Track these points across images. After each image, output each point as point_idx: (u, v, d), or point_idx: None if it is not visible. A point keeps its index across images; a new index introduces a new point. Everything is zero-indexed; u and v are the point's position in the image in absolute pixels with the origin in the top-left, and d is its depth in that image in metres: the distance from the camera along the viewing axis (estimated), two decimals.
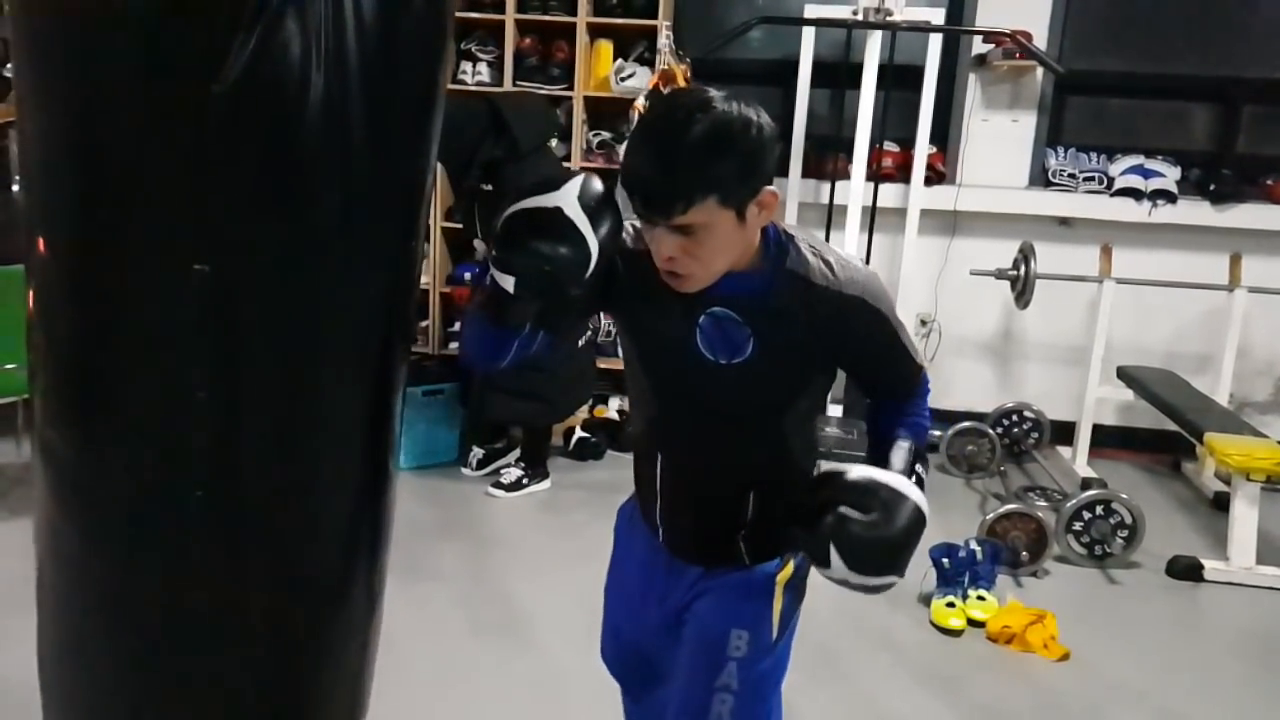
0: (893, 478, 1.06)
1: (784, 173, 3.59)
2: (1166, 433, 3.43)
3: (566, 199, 0.97)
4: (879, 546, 1.02)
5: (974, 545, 2.49)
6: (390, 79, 0.88)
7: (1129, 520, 2.74)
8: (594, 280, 1.02)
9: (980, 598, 2.41)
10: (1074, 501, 2.77)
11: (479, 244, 3.20)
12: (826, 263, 1.11)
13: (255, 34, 0.79)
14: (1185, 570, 2.74)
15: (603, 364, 3.40)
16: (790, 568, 1.22)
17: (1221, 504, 3.14)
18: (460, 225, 3.39)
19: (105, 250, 0.87)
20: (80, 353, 0.91)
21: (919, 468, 1.16)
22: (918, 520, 1.04)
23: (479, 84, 3.51)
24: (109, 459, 0.92)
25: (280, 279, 0.89)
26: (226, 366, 0.89)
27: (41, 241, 0.89)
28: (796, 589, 1.24)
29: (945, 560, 2.45)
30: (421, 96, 0.95)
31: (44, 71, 0.85)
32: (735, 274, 1.08)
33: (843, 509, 1.02)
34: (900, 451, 1.15)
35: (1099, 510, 2.75)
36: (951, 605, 2.39)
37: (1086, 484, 3.16)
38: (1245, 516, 2.72)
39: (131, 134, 0.83)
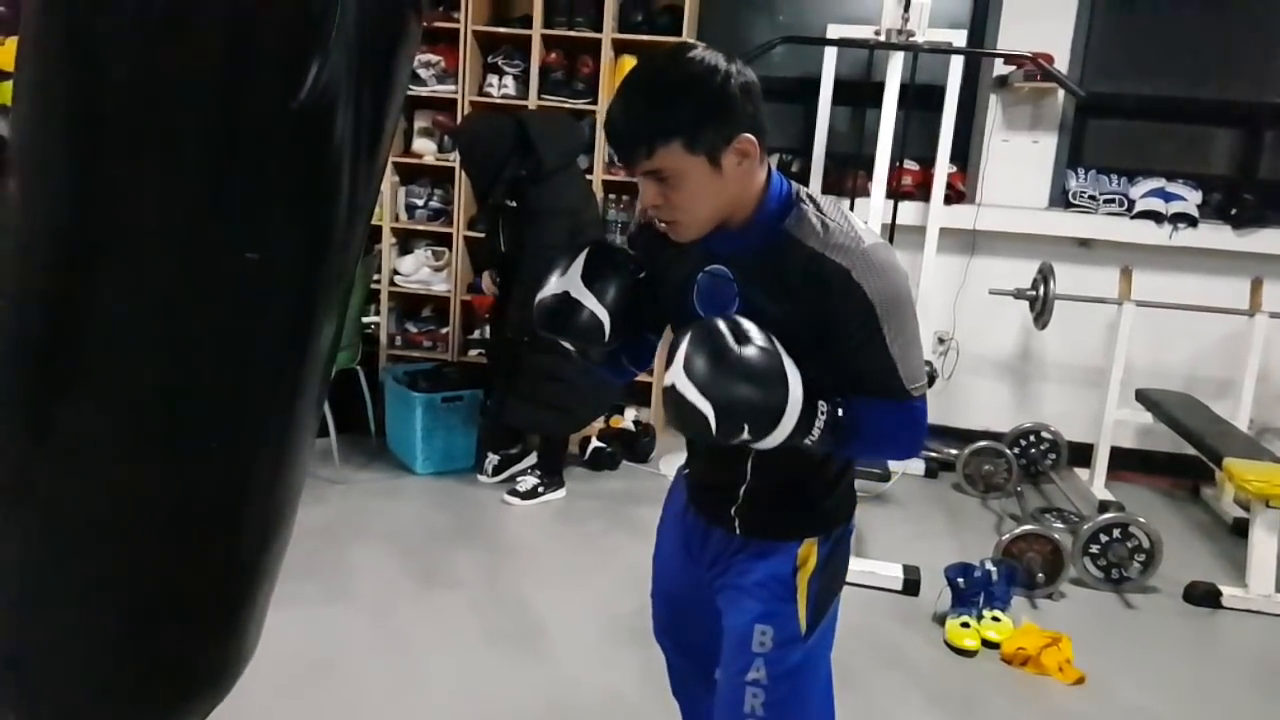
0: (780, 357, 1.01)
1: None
2: (1185, 457, 3.41)
3: (573, 282, 1.10)
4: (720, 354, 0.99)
5: (990, 566, 2.49)
6: (386, 91, 1.00)
7: (1146, 544, 2.73)
8: (624, 316, 1.12)
9: (995, 619, 2.41)
10: (1091, 524, 2.75)
11: (487, 276, 3.27)
12: (826, 226, 1.06)
13: (329, 53, 0.86)
14: (1203, 596, 2.72)
15: None
16: (813, 558, 1.21)
17: (1241, 530, 3.12)
18: (482, 235, 3.43)
19: (162, 234, 0.94)
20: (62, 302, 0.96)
21: (821, 429, 1.03)
22: (767, 377, 1.00)
23: (505, 97, 3.56)
24: (88, 407, 0.98)
25: (307, 264, 1.01)
26: (267, 342, 1.01)
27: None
28: (825, 577, 1.23)
29: (960, 580, 2.45)
30: (396, 99, 1.05)
31: (113, 73, 0.90)
32: (733, 230, 1.10)
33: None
34: (834, 403, 1.04)
35: (1116, 533, 2.73)
36: (966, 625, 2.38)
37: (1104, 507, 3.14)
38: (1265, 543, 2.70)
39: (212, 142, 0.90)
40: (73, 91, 0.89)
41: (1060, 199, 3.71)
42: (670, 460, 3.51)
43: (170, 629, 1.08)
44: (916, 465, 3.61)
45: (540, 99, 3.51)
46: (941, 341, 3.70)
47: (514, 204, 3.00)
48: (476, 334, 3.79)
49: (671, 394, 1.02)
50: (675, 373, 1.01)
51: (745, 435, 1.02)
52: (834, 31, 3.45)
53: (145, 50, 0.86)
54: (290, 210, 0.96)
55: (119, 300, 0.94)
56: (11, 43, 3.40)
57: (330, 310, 1.06)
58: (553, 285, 1.11)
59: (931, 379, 2.90)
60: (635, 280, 1.12)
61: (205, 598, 1.09)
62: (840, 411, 1.06)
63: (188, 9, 0.85)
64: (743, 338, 1.01)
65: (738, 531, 1.24)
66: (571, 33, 3.49)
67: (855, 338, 1.05)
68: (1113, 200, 3.62)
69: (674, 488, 1.41)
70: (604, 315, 1.09)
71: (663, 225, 1.10)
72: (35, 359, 0.97)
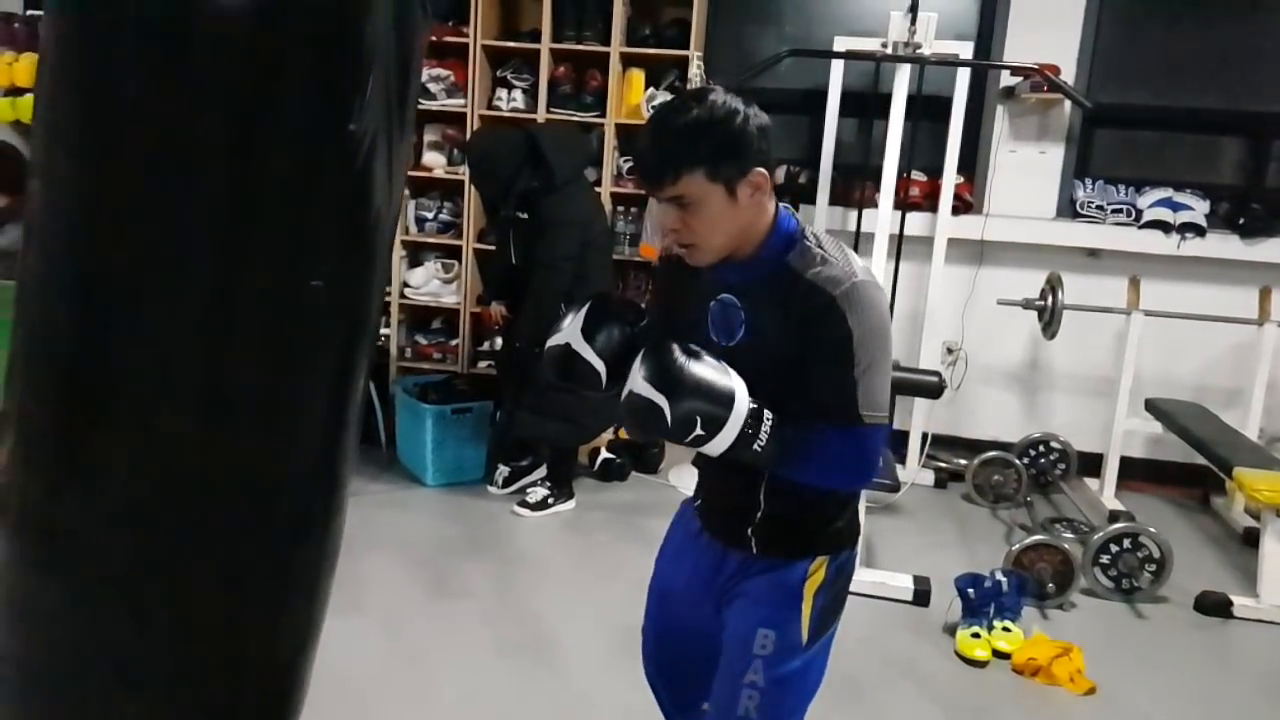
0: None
1: (811, 200, 3.63)
2: (1195, 466, 3.41)
3: (573, 335, 1.21)
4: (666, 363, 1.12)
5: (1000, 576, 2.49)
6: (406, 120, 1.07)
7: (1157, 554, 2.72)
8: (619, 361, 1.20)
9: (1006, 629, 2.40)
10: (1101, 534, 2.75)
11: (497, 309, 3.31)
12: (824, 260, 1.17)
13: (370, 86, 0.93)
14: (1214, 606, 2.71)
15: None
16: (821, 573, 1.26)
17: (1251, 540, 3.11)
18: (492, 247, 3.46)
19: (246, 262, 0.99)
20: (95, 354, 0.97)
21: (767, 437, 1.12)
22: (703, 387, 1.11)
23: (513, 110, 3.59)
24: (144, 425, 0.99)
25: (355, 286, 1.09)
26: (334, 359, 1.10)
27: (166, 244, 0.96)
28: (830, 595, 1.28)
29: (971, 590, 2.45)
30: (414, 105, 1.12)
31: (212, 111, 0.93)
32: (742, 262, 1.20)
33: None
34: (774, 423, 1.13)
35: (1126, 543, 2.73)
36: (977, 636, 2.38)
37: (1114, 517, 3.14)
38: (1276, 553, 2.69)
39: (242, 165, 0.95)
40: (90, 110, 0.91)
41: (1068, 209, 3.71)
42: (679, 471, 3.52)
43: (234, 701, 1.08)
44: (926, 475, 3.61)
45: (549, 112, 3.54)
46: (950, 352, 3.69)
47: (525, 216, 3.03)
48: (486, 346, 3.81)
49: (630, 397, 1.13)
50: (633, 379, 1.13)
51: (699, 431, 1.11)
52: (841, 44, 3.47)
53: (163, 70, 0.89)
54: (340, 231, 1.00)
55: (155, 318, 0.94)
56: (28, 58, 3.44)
57: (371, 327, 1.09)
58: (558, 335, 1.23)
59: (940, 389, 2.90)
60: (634, 328, 1.23)
61: (263, 659, 1.10)
62: (787, 426, 1.15)
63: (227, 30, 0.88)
64: (691, 353, 1.13)
65: (755, 550, 1.28)
66: (580, 46, 3.52)
67: (825, 358, 1.14)
68: (1120, 210, 3.62)
69: (679, 520, 1.44)
70: (600, 366, 1.21)
71: (680, 250, 1.20)
72: (64, 384, 0.97)
